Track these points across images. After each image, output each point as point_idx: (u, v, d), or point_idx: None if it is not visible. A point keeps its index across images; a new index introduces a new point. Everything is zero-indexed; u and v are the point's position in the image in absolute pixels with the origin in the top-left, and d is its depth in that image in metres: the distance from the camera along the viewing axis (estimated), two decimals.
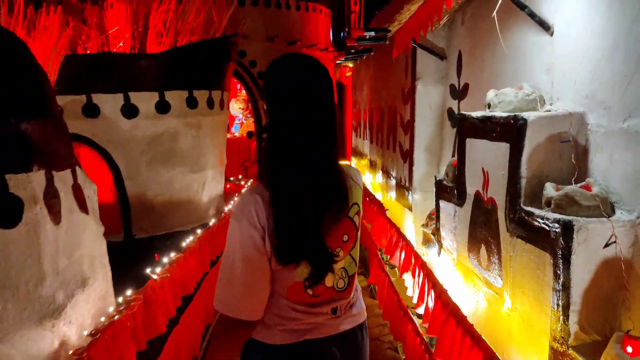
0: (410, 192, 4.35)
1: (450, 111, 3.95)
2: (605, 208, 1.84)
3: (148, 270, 2.80)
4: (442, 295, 2.50)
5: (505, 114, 2.30)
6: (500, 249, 2.36)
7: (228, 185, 7.26)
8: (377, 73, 6.28)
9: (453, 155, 3.83)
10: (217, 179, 5.61)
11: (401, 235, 3.67)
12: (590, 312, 1.83)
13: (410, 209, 4.42)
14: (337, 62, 9.42)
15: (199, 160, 5.12)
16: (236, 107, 15.71)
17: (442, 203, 3.21)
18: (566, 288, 1.83)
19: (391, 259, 3.77)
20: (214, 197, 5.50)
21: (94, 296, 2.30)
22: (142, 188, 4.77)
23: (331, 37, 12.34)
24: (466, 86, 3.60)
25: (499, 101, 2.44)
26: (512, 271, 2.24)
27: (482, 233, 2.56)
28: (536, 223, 2.00)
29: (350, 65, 9.81)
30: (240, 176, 7.56)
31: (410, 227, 4.39)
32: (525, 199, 2.15)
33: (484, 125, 2.49)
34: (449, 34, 3.94)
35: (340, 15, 12.87)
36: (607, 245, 1.79)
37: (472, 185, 2.69)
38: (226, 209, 5.32)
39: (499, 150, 2.34)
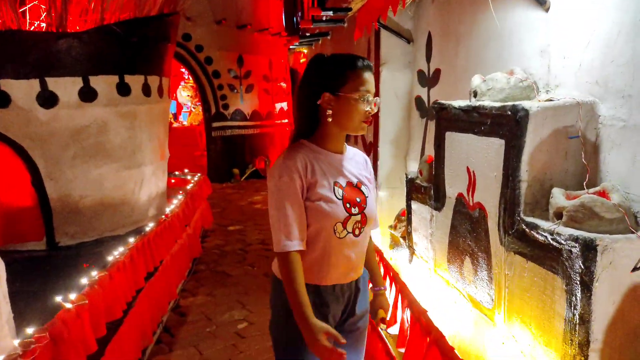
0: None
1: (418, 100, 3.57)
2: (631, 221, 1.48)
3: (59, 299, 2.23)
4: (421, 318, 2.11)
5: (497, 104, 1.91)
6: (490, 264, 1.98)
7: (172, 181, 6.63)
8: None
9: (423, 150, 3.45)
10: (157, 175, 4.99)
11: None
12: (614, 351, 1.47)
13: None
14: (291, 47, 8.90)
15: (134, 154, 4.49)
16: (184, 94, 14.85)
17: (415, 205, 2.81)
18: (585, 321, 1.46)
19: None
20: (154, 196, 4.89)
21: None
22: (67, 188, 4.10)
23: (283, 22, 11.78)
24: (437, 72, 3.21)
25: (487, 88, 2.05)
26: (507, 292, 1.87)
27: (466, 243, 2.18)
28: (542, 238, 1.63)
29: (305, 50, 9.30)
30: (186, 170, 6.92)
31: None
32: (526, 207, 1.76)
33: (470, 117, 2.09)
34: (417, 14, 3.54)
35: None
36: (636, 268, 1.43)
37: (454, 187, 2.30)
38: (168, 209, 4.73)
39: (490, 148, 1.94)
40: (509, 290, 1.85)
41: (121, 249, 3.29)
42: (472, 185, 2.12)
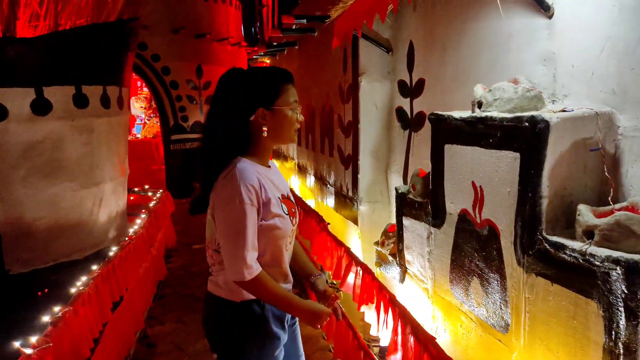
0: (354, 202, 3.80)
1: (399, 111, 3.45)
2: None
3: (17, 344, 1.92)
4: (430, 347, 1.95)
5: (508, 115, 1.80)
6: (505, 287, 1.85)
7: (131, 198, 6.22)
8: (304, 69, 5.67)
9: (406, 163, 3.33)
10: (117, 193, 4.64)
11: (353, 258, 3.10)
12: None
13: (354, 221, 3.87)
14: (254, 57, 8.68)
15: (92, 171, 4.13)
16: (137, 106, 14.29)
17: (408, 221, 2.67)
18: (631, 351, 1.34)
19: (342, 285, 3.17)
20: (114, 216, 4.53)
21: None
22: (17, 210, 3.70)
23: (242, 32, 11.55)
24: (421, 82, 3.11)
25: (494, 98, 1.93)
26: (528, 317, 1.74)
27: (472, 263, 2.05)
28: (570, 259, 1.51)
29: (268, 61, 9.10)
30: (146, 186, 6.53)
31: (356, 242, 3.84)
32: (547, 225, 1.65)
33: (475, 129, 1.98)
34: (396, 23, 3.44)
35: (251, 8, 12.09)
36: None
37: (456, 203, 2.17)
38: (131, 230, 4.38)
39: (502, 162, 1.83)
40: (530, 314, 1.72)
41: (83, 277, 2.95)
42: (479, 201, 2.00)
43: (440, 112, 2.26)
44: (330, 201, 4.58)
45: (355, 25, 3.12)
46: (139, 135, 13.97)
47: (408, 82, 3.30)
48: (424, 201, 2.47)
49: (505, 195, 1.82)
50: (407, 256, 2.72)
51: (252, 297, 1.57)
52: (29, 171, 3.70)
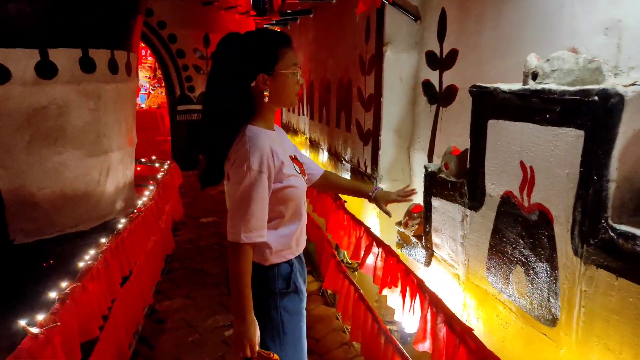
0: (374, 180, 3.62)
1: (426, 84, 3.24)
2: None
3: (23, 323, 1.78)
4: (467, 339, 1.81)
5: (571, 88, 1.60)
6: (556, 278, 1.69)
7: (138, 168, 6.06)
8: (318, 38, 5.42)
9: (433, 140, 3.14)
10: (125, 163, 4.47)
11: (374, 239, 2.95)
12: None
13: None
14: (264, 25, 8.38)
15: (99, 140, 3.95)
16: (141, 75, 14.02)
17: (437, 202, 2.50)
18: None
19: (361, 267, 3.03)
20: (122, 187, 4.37)
21: None
22: (21, 179, 3.54)
23: (251, 1, 11.19)
24: (453, 53, 2.90)
25: (552, 69, 1.74)
26: (583, 312, 1.58)
27: (516, 250, 1.89)
28: None
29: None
30: (153, 157, 6.35)
31: (374, 221, 3.69)
32: (613, 212, 1.48)
33: (527, 103, 1.78)
34: None
35: None
36: None
37: (498, 184, 2.00)
38: (139, 202, 4.23)
39: (560, 140, 1.64)
40: (586, 309, 1.57)
41: (89, 250, 2.81)
42: (527, 183, 1.82)
43: (484, 84, 2.06)
44: (346, 177, 4.40)
45: None
46: (143, 105, 13.73)
47: (438, 53, 3.08)
48: (458, 181, 2.29)
49: (562, 178, 1.64)
50: (435, 239, 2.56)
51: (280, 260, 1.67)
52: (33, 138, 3.52)
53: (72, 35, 3.61)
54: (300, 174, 1.66)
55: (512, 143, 1.90)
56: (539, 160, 1.76)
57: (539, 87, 1.74)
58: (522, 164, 1.85)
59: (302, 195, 1.67)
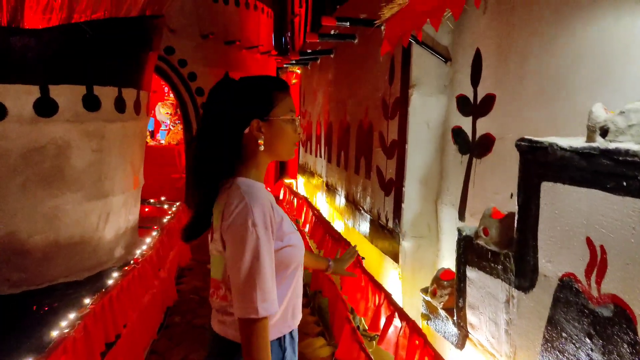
0: (396, 235, 3.24)
1: (457, 131, 2.90)
2: None
3: None
4: None
5: None
6: None
7: (146, 209, 5.79)
8: (339, 78, 5.17)
9: (465, 194, 2.77)
10: (128, 207, 4.18)
11: (397, 309, 2.54)
12: None
13: (394, 258, 3.30)
14: (284, 65, 8.26)
15: (100, 182, 3.68)
16: (163, 112, 14.09)
17: (474, 273, 2.10)
18: None
19: (381, 342, 2.61)
20: (123, 233, 4.06)
21: None
22: (11, 224, 3.25)
23: (273, 40, 11.19)
24: (490, 99, 2.56)
25: (628, 124, 1.37)
26: None
27: (583, 352, 1.47)
28: None
29: (298, 71, 8.66)
30: (163, 198, 6.09)
31: (394, 281, 3.28)
32: None
33: (596, 165, 1.41)
34: (457, 27, 2.90)
35: (282, 17, 11.74)
36: None
37: (556, 263, 1.60)
38: (138, 251, 3.90)
39: None
40: None
41: (70, 316, 2.44)
42: (598, 266, 1.42)
43: (535, 138, 1.70)
44: (364, 229, 4.02)
45: (414, 27, 2.60)
46: (162, 142, 13.73)
47: (471, 97, 2.75)
48: (501, 252, 1.90)
49: None
50: (471, 317, 2.15)
51: (275, 337, 1.41)
52: (27, 180, 3.27)
53: (76, 72, 3.41)
54: (297, 231, 1.49)
55: (574, 213, 1.51)
56: (613, 239, 1.37)
57: (612, 146, 1.37)
58: (589, 241, 1.46)
59: (301, 255, 1.48)
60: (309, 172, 7.06)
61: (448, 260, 3.05)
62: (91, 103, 3.51)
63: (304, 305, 4.78)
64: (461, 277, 2.22)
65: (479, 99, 2.68)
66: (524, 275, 1.75)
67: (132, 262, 3.50)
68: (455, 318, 2.30)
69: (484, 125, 2.63)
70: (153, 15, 4.13)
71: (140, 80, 4.13)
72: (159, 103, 13.50)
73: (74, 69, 3.41)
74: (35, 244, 3.35)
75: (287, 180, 8.30)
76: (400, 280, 3.21)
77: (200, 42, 9.17)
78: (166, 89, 13.47)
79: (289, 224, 1.45)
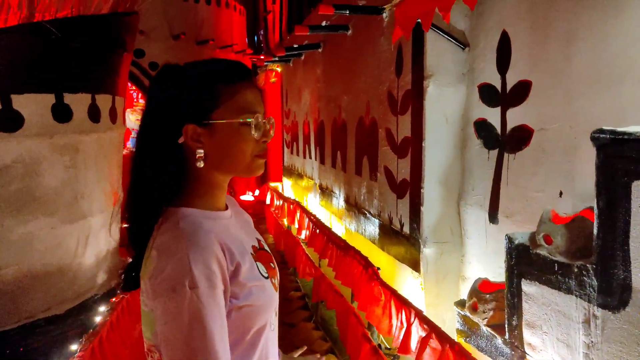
0: (415, 242, 2.94)
1: (481, 124, 2.62)
2: None
3: None
4: None
5: None
6: None
7: (126, 225, 5.36)
8: (330, 74, 4.85)
9: (496, 195, 2.49)
10: (108, 227, 3.77)
11: (434, 330, 2.24)
12: None
13: (413, 266, 3.01)
14: (265, 63, 7.88)
15: (76, 202, 3.25)
16: (133, 118, 13.49)
17: (534, 287, 1.82)
18: None
19: None
20: (104, 255, 3.64)
21: None
22: None
23: (247, 40, 10.79)
24: (524, 86, 2.28)
25: None
26: None
27: None
28: None
29: (278, 69, 8.30)
30: None
31: (414, 292, 2.99)
32: None
33: None
34: (478, 9, 2.62)
35: (254, 15, 11.34)
36: None
37: None
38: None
39: None
40: None
41: (63, 342, 2.05)
42: None
43: (619, 129, 1.42)
44: (371, 234, 3.72)
45: (428, 11, 2.31)
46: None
47: (498, 85, 2.47)
48: (574, 264, 1.62)
49: None
50: (531, 338, 1.86)
51: None
52: None
53: (42, 78, 2.98)
54: (267, 277, 1.05)
55: None
56: None
57: None
58: None
59: (270, 312, 1.04)
60: (297, 175, 6.72)
61: (475, 267, 2.78)
62: (61, 113, 3.08)
63: (307, 319, 4.49)
64: (514, 291, 1.93)
65: (508, 87, 2.41)
66: (612, 292, 1.47)
67: (116, 289, 3.10)
68: (507, 337, 2.01)
69: (517, 117, 2.36)
70: (125, 13, 3.71)
71: (115, 85, 3.71)
72: (128, 110, 12.93)
73: (39, 75, 2.98)
74: (7, 278, 2.92)
75: (272, 184, 7.94)
76: (423, 291, 2.91)
77: (171, 43, 8.72)
78: (134, 95, 12.89)
79: (252, 269, 1.04)
